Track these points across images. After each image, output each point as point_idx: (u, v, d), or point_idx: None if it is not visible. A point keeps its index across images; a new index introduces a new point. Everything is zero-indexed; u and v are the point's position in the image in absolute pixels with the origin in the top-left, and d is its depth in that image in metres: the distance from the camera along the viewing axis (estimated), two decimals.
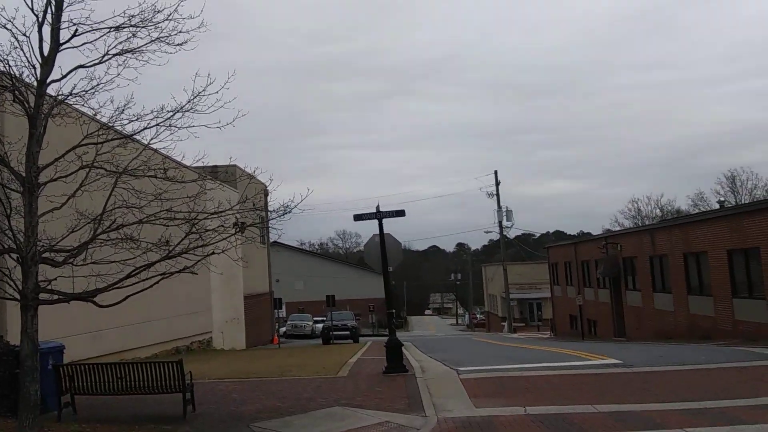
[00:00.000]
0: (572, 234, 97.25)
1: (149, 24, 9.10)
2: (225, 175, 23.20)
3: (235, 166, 26.00)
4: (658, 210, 72.43)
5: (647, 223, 64.21)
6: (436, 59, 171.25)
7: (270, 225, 11.47)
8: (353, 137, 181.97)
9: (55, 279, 8.92)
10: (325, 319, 46.21)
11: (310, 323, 54.58)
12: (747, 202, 55.45)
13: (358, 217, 15.58)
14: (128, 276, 9.08)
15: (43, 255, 8.74)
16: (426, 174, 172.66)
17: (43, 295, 8.69)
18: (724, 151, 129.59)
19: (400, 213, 15.47)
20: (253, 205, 10.56)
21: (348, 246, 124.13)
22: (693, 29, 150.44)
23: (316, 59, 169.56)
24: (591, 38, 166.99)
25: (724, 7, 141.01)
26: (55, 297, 8.86)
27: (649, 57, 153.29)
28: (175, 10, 9.06)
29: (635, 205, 75.11)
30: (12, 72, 8.74)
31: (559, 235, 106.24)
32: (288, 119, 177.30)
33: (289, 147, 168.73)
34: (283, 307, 45.13)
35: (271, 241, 43.40)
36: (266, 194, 34.02)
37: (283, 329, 51.19)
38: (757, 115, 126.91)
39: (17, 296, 8.48)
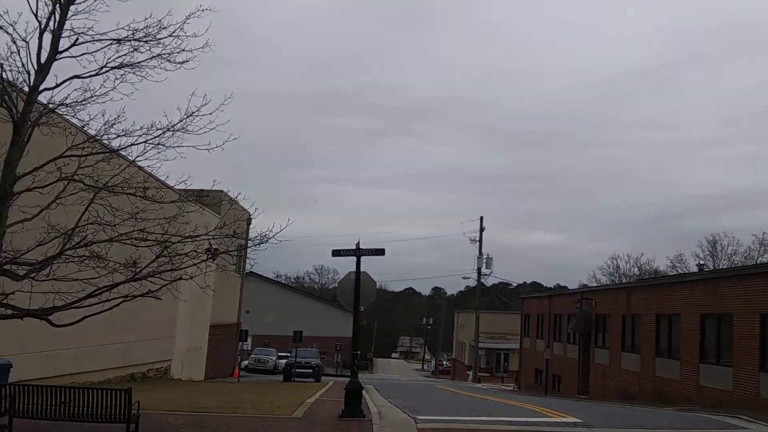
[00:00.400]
0: (549, 286, 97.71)
1: (152, 40, 9.05)
2: (210, 199, 23.01)
3: (221, 191, 25.81)
4: (636, 269, 73.08)
5: (624, 280, 64.65)
6: (435, 101, 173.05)
7: (246, 254, 11.33)
8: (344, 172, 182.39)
9: (13, 293, 8.66)
10: (289, 354, 45.55)
11: (274, 358, 53.69)
12: (725, 267, 56.13)
13: (336, 253, 15.36)
14: (89, 296, 8.87)
15: (5, 267, 8.51)
16: (412, 214, 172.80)
17: None
18: (709, 215, 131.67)
19: (380, 252, 15.29)
20: (234, 232, 10.43)
21: (324, 282, 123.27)
22: (689, 91, 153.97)
23: (316, 91, 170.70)
24: (589, 93, 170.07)
25: (724, 73, 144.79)
26: (9, 312, 8.59)
27: (644, 116, 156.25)
28: (181, 28, 9.04)
29: (614, 261, 75.76)
30: (4, 76, 8.63)
31: (535, 286, 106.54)
32: (281, 149, 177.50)
33: (279, 177, 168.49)
34: (249, 339, 44.44)
35: (246, 270, 42.94)
36: (249, 222, 33.80)
37: (246, 362, 50.30)
38: (746, 180, 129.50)
39: None
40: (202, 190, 17.20)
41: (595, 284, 66.31)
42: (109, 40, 9.00)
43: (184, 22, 9.10)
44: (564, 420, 15.24)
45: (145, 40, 9.09)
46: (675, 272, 61.01)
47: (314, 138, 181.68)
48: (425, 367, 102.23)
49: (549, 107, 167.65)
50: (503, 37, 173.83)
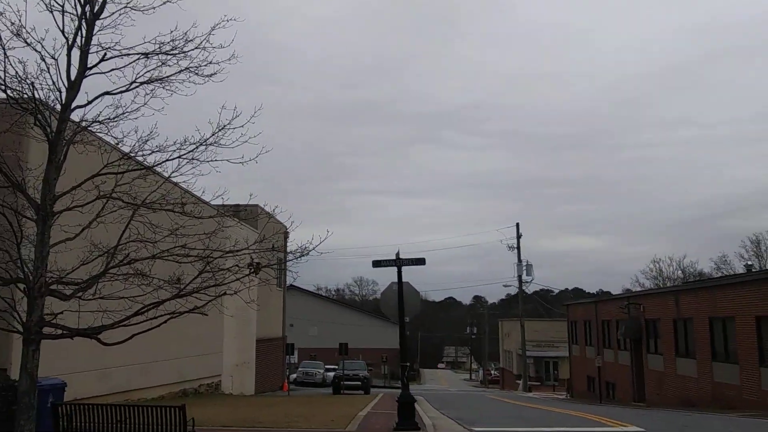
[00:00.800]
0: (591, 292, 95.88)
1: (179, 53, 8.97)
2: (246, 213, 23.10)
3: (257, 206, 25.83)
4: (680, 271, 71.23)
5: (668, 284, 63.06)
6: (462, 108, 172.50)
7: (287, 267, 11.17)
8: (375, 183, 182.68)
9: (61, 313, 8.61)
10: (336, 367, 45.38)
11: (322, 371, 53.67)
12: None
13: (377, 264, 15.19)
14: (136, 313, 8.77)
15: (51, 287, 8.45)
16: (445, 223, 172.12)
17: (47, 329, 8.37)
18: (747, 214, 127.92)
19: (420, 261, 15.06)
20: (272, 245, 10.26)
21: (364, 293, 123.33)
22: (720, 88, 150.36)
23: (344, 103, 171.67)
24: (617, 93, 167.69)
25: (756, 67, 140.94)
26: (59, 332, 8.53)
27: (674, 115, 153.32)
28: (207, 39, 8.94)
29: (657, 265, 73.94)
30: (37, 95, 8.62)
31: (578, 292, 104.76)
32: (311, 162, 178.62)
33: (311, 190, 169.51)
34: (296, 352, 44.46)
35: (287, 284, 43.03)
36: (286, 236, 33.78)
37: (294, 376, 50.35)
38: None
39: (20, 329, 8.17)
40: (238, 205, 17.12)
41: (639, 289, 64.73)
42: (137, 54, 8.93)
43: (210, 34, 9.00)
44: (625, 429, 14.68)
45: (171, 53, 8.99)
46: (720, 274, 59.25)
47: (342, 149, 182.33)
48: (473, 377, 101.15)
49: (576, 109, 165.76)
50: (526, 41, 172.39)
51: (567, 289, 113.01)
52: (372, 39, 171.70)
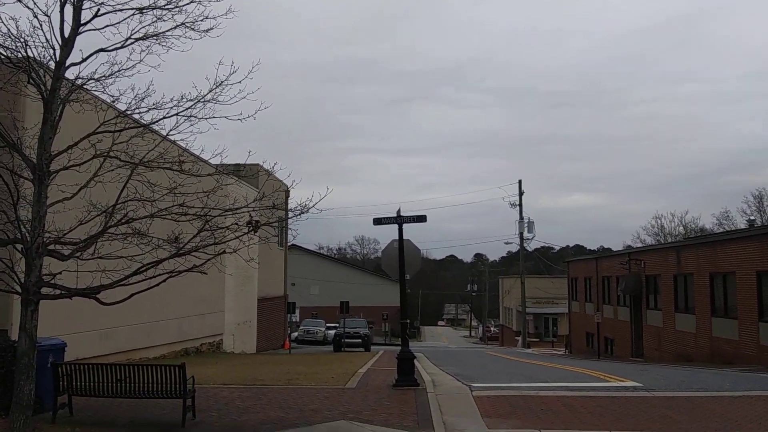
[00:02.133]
0: (592, 249, 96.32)
1: (174, 8, 8.77)
2: (247, 171, 22.99)
3: (257, 164, 25.58)
4: (681, 227, 71.27)
5: (670, 240, 63.16)
6: (459, 65, 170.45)
7: (287, 225, 11.13)
8: (373, 142, 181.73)
9: (60, 273, 8.59)
10: (337, 325, 45.81)
11: (323, 329, 54.18)
12: None
13: (377, 221, 15.19)
14: (134, 273, 8.75)
15: (49, 247, 8.42)
16: (445, 181, 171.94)
17: (45, 290, 8.36)
18: (751, 170, 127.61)
19: (421, 218, 15.03)
20: (273, 204, 10.19)
21: (366, 252, 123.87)
22: (722, 42, 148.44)
23: (337, 61, 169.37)
24: (617, 48, 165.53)
25: (753, 23, 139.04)
26: (58, 292, 8.53)
27: (674, 70, 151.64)
28: None
29: (658, 221, 73.97)
30: (30, 53, 8.46)
31: (579, 249, 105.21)
32: (307, 121, 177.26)
33: (308, 149, 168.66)
34: (297, 311, 44.81)
35: (289, 243, 43.12)
36: (287, 195, 33.71)
37: (295, 334, 50.84)
38: None
39: (19, 290, 8.16)
40: (238, 164, 16.99)
41: (640, 245, 64.83)
42: (131, 9, 8.71)
43: None
44: (623, 384, 14.82)
45: (167, 8, 8.77)
46: (722, 229, 59.19)
47: (339, 108, 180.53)
48: (473, 333, 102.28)
49: (576, 66, 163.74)
50: None
51: (568, 246, 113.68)
52: None
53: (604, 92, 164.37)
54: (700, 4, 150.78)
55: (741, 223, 59.53)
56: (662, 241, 64.68)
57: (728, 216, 66.71)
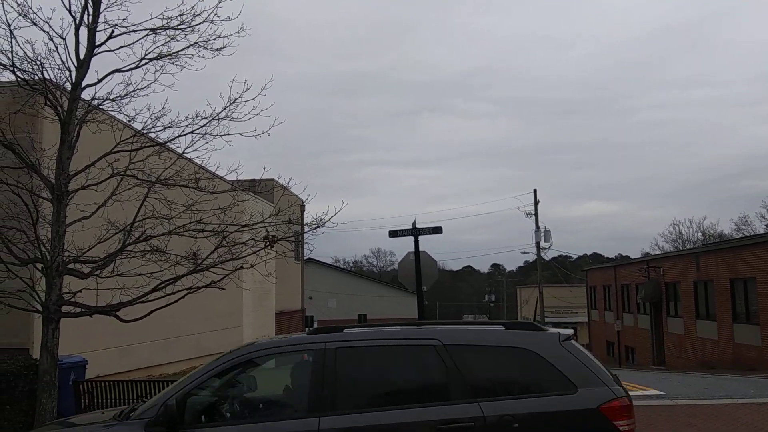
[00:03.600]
0: (610, 257, 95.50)
1: (187, 27, 8.89)
2: (262, 187, 23.13)
3: (272, 180, 25.75)
4: (700, 233, 70.60)
5: (689, 246, 62.57)
6: (465, 75, 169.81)
7: (304, 239, 11.16)
8: (383, 154, 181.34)
9: (80, 291, 8.67)
10: None
11: None
12: None
13: (393, 234, 15.21)
14: (153, 290, 8.81)
15: (69, 266, 8.51)
16: (456, 193, 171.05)
17: (66, 308, 8.43)
18: (763, 174, 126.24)
19: (437, 230, 15.05)
20: (289, 218, 10.25)
21: (382, 264, 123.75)
22: (727, 47, 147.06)
23: (343, 75, 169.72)
24: (624, 54, 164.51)
25: (761, 26, 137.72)
26: (78, 310, 8.60)
27: (683, 75, 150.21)
28: (214, 12, 8.85)
29: (676, 228, 73.33)
30: (46, 75, 8.60)
31: (596, 257, 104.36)
32: (317, 135, 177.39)
33: (319, 164, 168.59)
34: (315, 325, 44.80)
35: (305, 257, 43.20)
36: (302, 209, 33.83)
37: None
38: None
39: (39, 308, 8.24)
40: (253, 180, 17.05)
41: (659, 252, 64.26)
42: (145, 30, 8.86)
43: (217, 6, 8.91)
44: (645, 393, 14.65)
45: (180, 27, 8.91)
46: (740, 235, 58.53)
47: (347, 121, 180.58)
48: None
49: (583, 73, 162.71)
50: (529, 3, 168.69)
51: (585, 254, 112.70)
52: (366, 9, 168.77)
53: (612, 98, 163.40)
54: (709, 7, 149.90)
55: (760, 228, 58.89)
56: (681, 248, 64.09)
57: (747, 221, 66.05)
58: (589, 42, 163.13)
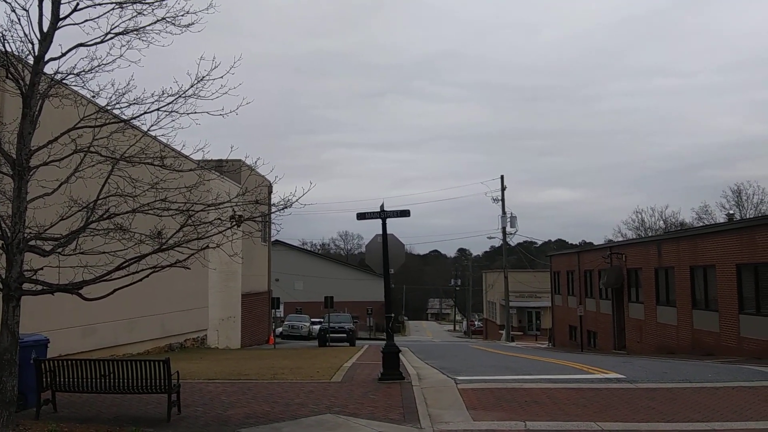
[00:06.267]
0: (574, 243, 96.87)
1: (155, 2, 8.69)
2: (230, 166, 22.90)
3: (239, 160, 25.53)
4: (662, 222, 71.89)
5: (651, 234, 63.71)
6: (432, 57, 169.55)
7: (271, 220, 11.08)
8: (350, 136, 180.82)
9: (42, 269, 8.51)
10: (322, 320, 45.80)
11: (308, 324, 54.14)
12: (753, 216, 54.97)
13: (361, 216, 15.19)
14: (117, 268, 8.69)
15: (30, 243, 8.34)
16: (424, 176, 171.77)
17: (27, 286, 8.28)
18: (729, 164, 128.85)
19: (405, 213, 15.07)
20: (256, 199, 10.16)
21: (349, 247, 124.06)
22: (695, 36, 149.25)
23: (309, 55, 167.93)
24: (591, 41, 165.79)
25: (729, 15, 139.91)
26: (39, 288, 8.45)
27: (649, 63, 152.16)
28: None
29: (639, 215, 74.52)
30: (8, 48, 8.35)
31: (561, 243, 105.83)
32: (284, 115, 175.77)
33: (286, 144, 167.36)
34: (281, 306, 44.74)
35: (272, 239, 43.00)
36: (270, 190, 33.58)
37: (280, 329, 50.76)
38: (761, 128, 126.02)
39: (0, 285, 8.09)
40: (220, 160, 16.90)
41: (621, 239, 65.37)
42: (111, 3, 8.64)
43: None
44: (606, 376, 14.95)
45: (147, 2, 8.71)
46: (701, 223, 59.81)
47: (314, 101, 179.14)
48: (457, 327, 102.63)
49: (550, 59, 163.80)
50: None
51: (550, 240, 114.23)
52: None
53: (579, 85, 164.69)
54: None
55: (720, 217, 60.22)
56: (643, 235, 65.22)
57: (707, 210, 67.45)
58: (555, 28, 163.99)
